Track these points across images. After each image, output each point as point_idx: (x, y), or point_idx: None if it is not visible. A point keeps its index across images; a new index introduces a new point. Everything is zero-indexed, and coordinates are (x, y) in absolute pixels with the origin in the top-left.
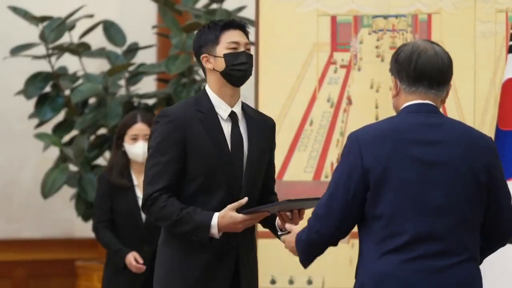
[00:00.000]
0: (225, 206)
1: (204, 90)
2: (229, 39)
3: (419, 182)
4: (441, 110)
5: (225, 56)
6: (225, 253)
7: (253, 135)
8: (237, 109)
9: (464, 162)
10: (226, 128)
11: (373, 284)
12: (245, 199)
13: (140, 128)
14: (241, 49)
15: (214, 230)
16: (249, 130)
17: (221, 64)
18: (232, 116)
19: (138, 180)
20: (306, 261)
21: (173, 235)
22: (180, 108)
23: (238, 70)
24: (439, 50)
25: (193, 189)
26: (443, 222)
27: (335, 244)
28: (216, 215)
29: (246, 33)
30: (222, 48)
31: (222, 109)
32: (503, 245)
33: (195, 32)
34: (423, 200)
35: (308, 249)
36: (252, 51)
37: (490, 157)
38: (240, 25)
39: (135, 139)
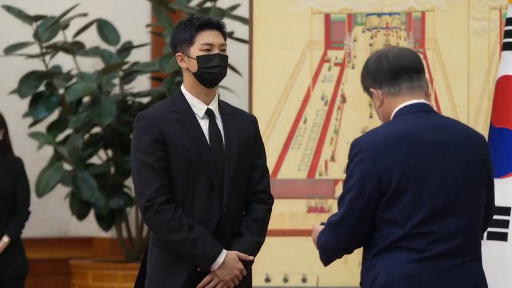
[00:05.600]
0: (208, 202)
1: (180, 90)
2: (203, 40)
3: (434, 184)
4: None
5: (198, 58)
6: None
7: (231, 129)
8: (213, 106)
9: (473, 162)
10: (204, 125)
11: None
12: (252, 258)
13: None
14: (215, 51)
15: (215, 266)
16: (227, 125)
17: (194, 66)
18: (209, 113)
19: None
20: (325, 263)
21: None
22: (155, 109)
23: (210, 73)
24: (403, 47)
25: (177, 186)
26: (457, 222)
27: (350, 252)
28: (224, 253)
29: (223, 33)
30: (195, 49)
31: (198, 108)
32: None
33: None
34: (438, 202)
35: (326, 253)
36: (246, 49)
37: (488, 152)
38: (217, 25)
39: None
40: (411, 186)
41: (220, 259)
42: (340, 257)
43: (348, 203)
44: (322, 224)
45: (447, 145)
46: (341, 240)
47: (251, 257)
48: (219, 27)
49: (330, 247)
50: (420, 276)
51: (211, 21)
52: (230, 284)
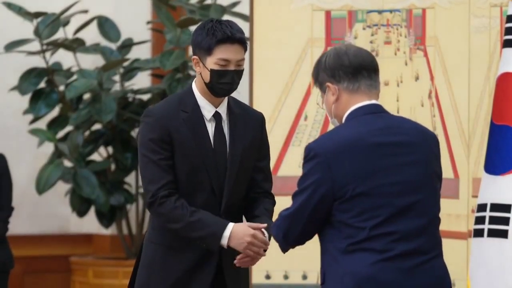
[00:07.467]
0: (209, 205)
1: (190, 87)
2: (221, 55)
3: (393, 185)
4: (430, 103)
5: (212, 71)
6: (209, 254)
7: (237, 133)
8: (222, 109)
9: (428, 160)
10: (210, 128)
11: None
12: (264, 224)
13: None
14: (231, 67)
15: (224, 241)
16: (233, 129)
17: (207, 76)
18: (216, 116)
19: None
20: (282, 252)
21: (159, 232)
22: (164, 107)
23: (220, 88)
24: (359, 47)
25: (179, 187)
26: (418, 221)
27: (301, 244)
28: (230, 226)
29: (244, 47)
30: (212, 62)
31: (207, 110)
32: None
33: (190, 27)
34: (398, 203)
35: (279, 244)
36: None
37: (439, 148)
38: (239, 40)
39: None
40: (368, 190)
41: (227, 232)
42: (291, 247)
43: (300, 203)
44: None
45: (401, 145)
46: (289, 235)
47: (264, 224)
48: (241, 42)
49: (279, 239)
50: (384, 277)
51: (233, 35)
52: (249, 253)
